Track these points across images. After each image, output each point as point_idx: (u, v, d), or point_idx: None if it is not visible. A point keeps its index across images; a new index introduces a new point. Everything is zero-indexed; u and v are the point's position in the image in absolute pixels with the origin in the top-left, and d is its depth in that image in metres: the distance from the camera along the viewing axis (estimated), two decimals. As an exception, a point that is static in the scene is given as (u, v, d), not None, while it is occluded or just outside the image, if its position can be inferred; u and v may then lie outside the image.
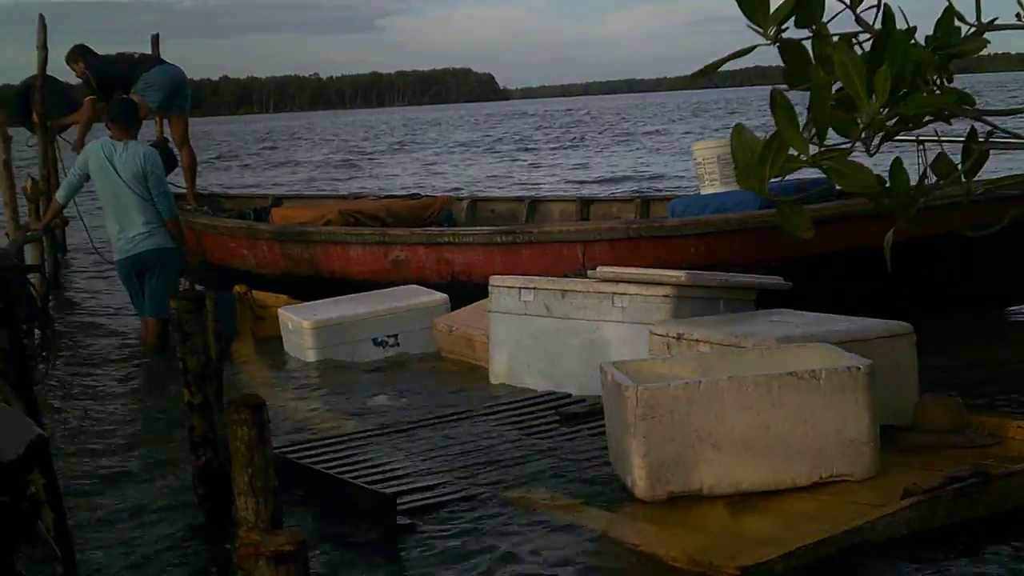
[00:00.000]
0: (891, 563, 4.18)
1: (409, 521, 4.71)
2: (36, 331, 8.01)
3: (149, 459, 6.03)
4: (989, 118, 2.31)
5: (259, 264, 10.03)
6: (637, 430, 4.64)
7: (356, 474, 5.24)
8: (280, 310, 8.37)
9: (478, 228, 9.68)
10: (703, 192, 8.97)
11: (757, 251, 7.80)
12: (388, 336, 8.03)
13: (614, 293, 6.48)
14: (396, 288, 8.60)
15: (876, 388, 4.77)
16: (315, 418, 6.56)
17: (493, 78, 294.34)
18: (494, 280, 7.08)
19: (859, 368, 4.71)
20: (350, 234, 9.63)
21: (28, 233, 9.75)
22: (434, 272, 9.06)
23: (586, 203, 11.02)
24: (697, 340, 5.64)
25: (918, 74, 2.15)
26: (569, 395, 6.49)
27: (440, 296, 8.21)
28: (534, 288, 6.85)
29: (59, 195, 9.13)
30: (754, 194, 8.66)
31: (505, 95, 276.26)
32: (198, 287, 8.12)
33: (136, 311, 8.83)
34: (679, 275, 6.46)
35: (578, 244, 8.47)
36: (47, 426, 5.14)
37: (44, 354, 8.08)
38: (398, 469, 5.35)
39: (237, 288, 9.00)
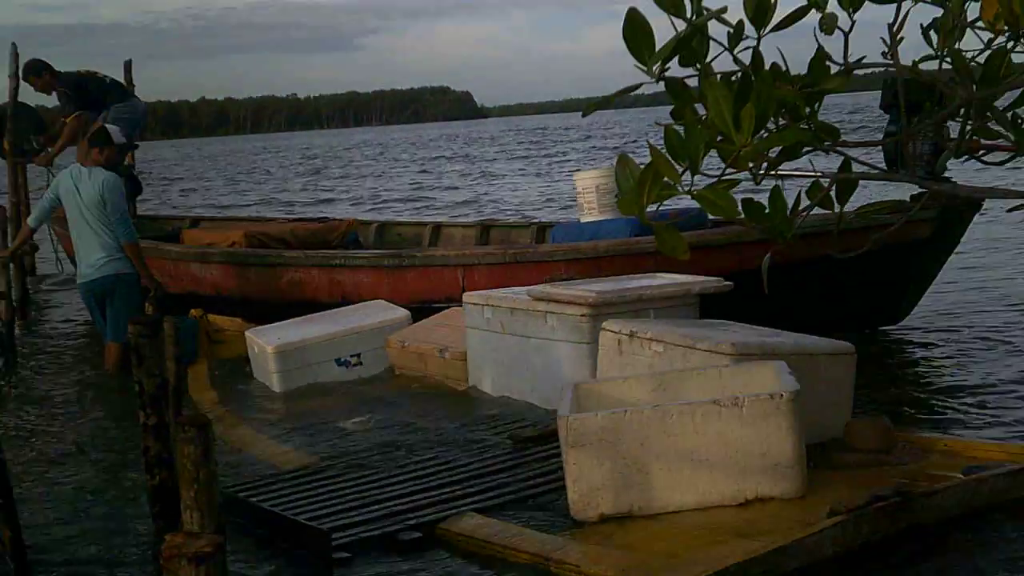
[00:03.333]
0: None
1: (347, 555, 4.75)
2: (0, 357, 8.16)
3: (105, 478, 6.18)
4: (849, 150, 2.52)
5: (165, 283, 10.24)
6: (569, 456, 4.87)
7: (300, 508, 5.22)
8: (248, 333, 8.45)
9: (367, 252, 10.12)
10: (582, 220, 9.34)
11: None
12: (352, 356, 8.11)
13: (547, 312, 6.71)
14: (361, 305, 8.78)
15: (805, 410, 4.87)
16: (268, 448, 6.50)
17: (471, 96, 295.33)
18: (467, 297, 7.41)
19: (782, 395, 4.82)
20: (248, 256, 10.01)
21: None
22: (326, 293, 9.43)
23: (486, 228, 11.50)
24: (650, 339, 5.81)
25: (781, 110, 2.35)
26: (522, 418, 6.58)
27: (402, 312, 8.37)
28: (492, 305, 7.08)
29: (30, 220, 9.35)
30: (627, 222, 8.98)
31: (483, 113, 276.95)
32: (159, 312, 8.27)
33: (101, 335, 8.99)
34: (612, 288, 6.65)
35: (458, 268, 8.91)
36: (7, 444, 5.28)
37: (6, 377, 8.24)
38: (347, 501, 5.33)
39: (193, 311, 9.17)
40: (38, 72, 11.13)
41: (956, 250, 8.76)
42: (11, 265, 11.06)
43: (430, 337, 7.79)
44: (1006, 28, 2.72)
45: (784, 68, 2.53)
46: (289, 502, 5.35)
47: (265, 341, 8.13)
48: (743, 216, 2.35)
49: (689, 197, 2.40)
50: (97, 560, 5.01)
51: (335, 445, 6.41)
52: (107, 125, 9.39)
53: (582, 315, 6.51)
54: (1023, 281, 10.76)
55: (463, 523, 4.97)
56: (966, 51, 2.73)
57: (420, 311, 8.36)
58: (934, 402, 6.93)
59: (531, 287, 7.06)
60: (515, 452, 5.93)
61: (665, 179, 2.31)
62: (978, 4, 2.69)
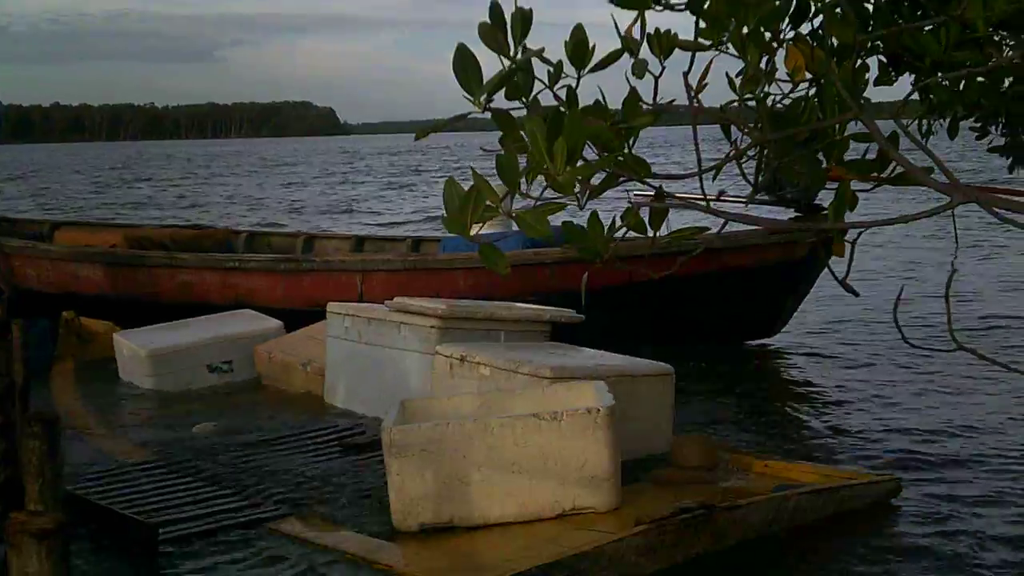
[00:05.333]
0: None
1: (172, 550, 4.97)
2: None
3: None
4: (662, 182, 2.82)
5: (42, 283, 10.23)
6: (391, 467, 5.06)
7: (130, 503, 5.43)
8: (116, 336, 8.55)
9: (263, 255, 10.18)
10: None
11: (519, 285, 8.46)
12: (223, 363, 8.25)
13: (400, 323, 6.94)
14: (231, 313, 8.91)
15: (622, 426, 5.13)
16: (117, 446, 6.71)
17: (334, 112, 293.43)
18: (330, 307, 7.57)
19: (599, 409, 5.03)
20: (138, 257, 10.04)
21: None
22: (219, 295, 9.53)
23: (360, 240, 11.66)
24: (479, 363, 6.07)
25: (596, 142, 2.63)
26: (359, 424, 6.81)
27: (275, 323, 8.51)
28: (352, 315, 7.29)
29: None
30: (519, 236, 9.35)
31: (345, 130, 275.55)
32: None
33: None
34: (465, 306, 6.91)
35: (357, 274, 9.14)
36: None
37: None
38: (177, 497, 5.56)
39: (65, 313, 9.19)
40: None
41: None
42: None
43: (296, 350, 7.97)
44: (807, 78, 3.05)
45: (603, 103, 2.81)
46: (120, 497, 5.55)
47: (138, 344, 8.23)
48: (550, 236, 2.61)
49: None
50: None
51: (178, 445, 6.62)
52: None
53: (431, 326, 6.74)
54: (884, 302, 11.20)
55: (288, 524, 5.20)
56: (772, 94, 3.05)
57: (317, 316, 8.39)
58: (767, 421, 7.26)
59: (390, 300, 7.22)
60: (347, 459, 6.17)
61: (488, 202, 2.57)
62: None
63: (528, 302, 7.60)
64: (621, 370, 5.96)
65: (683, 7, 2.65)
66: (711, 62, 3.00)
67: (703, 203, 2.80)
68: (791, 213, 8.49)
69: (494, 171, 2.74)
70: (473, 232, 2.73)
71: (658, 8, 2.63)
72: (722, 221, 2.73)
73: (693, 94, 2.91)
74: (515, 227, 8.87)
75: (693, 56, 2.75)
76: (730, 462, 5.82)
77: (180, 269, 9.77)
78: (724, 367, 8.68)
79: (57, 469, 3.88)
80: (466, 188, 2.71)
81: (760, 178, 3.10)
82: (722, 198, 3.10)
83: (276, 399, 7.75)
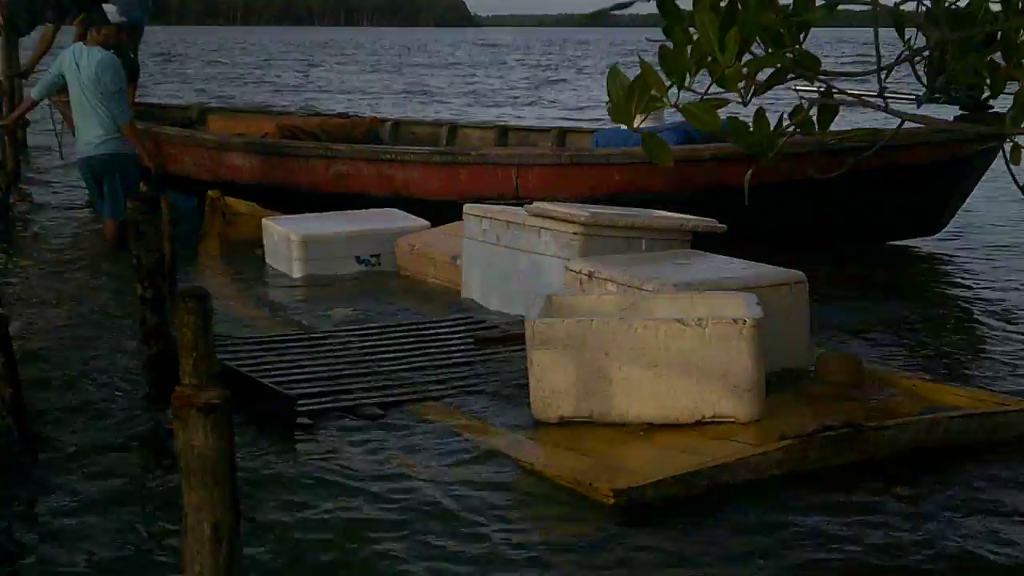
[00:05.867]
0: (761, 499, 4.45)
1: (310, 422, 5.13)
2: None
3: (102, 347, 6.41)
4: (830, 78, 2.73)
5: (197, 170, 10.38)
6: (533, 358, 5.12)
7: (272, 375, 5.63)
8: (266, 221, 8.73)
9: (418, 148, 10.16)
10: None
11: (678, 182, 8.32)
12: (372, 256, 8.40)
13: (541, 228, 6.90)
14: (376, 211, 9.00)
15: (764, 337, 5.05)
16: (260, 321, 7.00)
17: (464, 4, 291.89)
18: (467, 208, 7.56)
19: (744, 320, 5.01)
20: (292, 147, 10.09)
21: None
22: (375, 186, 9.57)
23: (504, 131, 11.55)
24: (605, 279, 6.01)
25: (766, 36, 2.56)
26: (493, 320, 6.87)
27: (422, 222, 8.58)
28: (490, 218, 7.30)
29: (34, 92, 9.53)
30: (673, 130, 9.19)
31: (475, 22, 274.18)
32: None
33: (97, 210, 9.19)
34: (607, 213, 6.85)
35: (512, 168, 9.04)
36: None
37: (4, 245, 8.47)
38: (317, 372, 5.78)
39: (211, 193, 9.38)
40: None
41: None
42: (5, 137, 11.23)
43: (438, 243, 8.02)
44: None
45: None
46: (261, 368, 5.77)
47: (289, 229, 8.40)
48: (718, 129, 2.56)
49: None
50: (93, 417, 5.31)
51: (317, 326, 6.84)
52: (104, 4, 9.48)
53: (573, 233, 6.70)
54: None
55: (422, 409, 5.33)
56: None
57: None
58: (913, 334, 7.06)
59: (530, 204, 7.18)
60: (481, 351, 6.25)
61: (653, 92, 2.52)
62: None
63: (684, 199, 7.49)
64: (747, 281, 5.83)
65: None
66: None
67: (877, 101, 2.72)
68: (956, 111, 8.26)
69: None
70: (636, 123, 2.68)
71: None
72: (891, 119, 2.64)
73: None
74: (668, 123, 8.83)
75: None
76: (877, 379, 5.69)
77: (335, 160, 9.80)
78: (867, 271, 8.55)
79: (210, 344, 3.99)
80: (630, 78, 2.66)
81: (935, 80, 2.98)
82: (894, 95, 3.00)
83: (414, 291, 7.85)
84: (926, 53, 2.91)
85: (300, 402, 5.25)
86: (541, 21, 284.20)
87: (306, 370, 5.83)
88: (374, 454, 4.89)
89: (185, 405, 2.89)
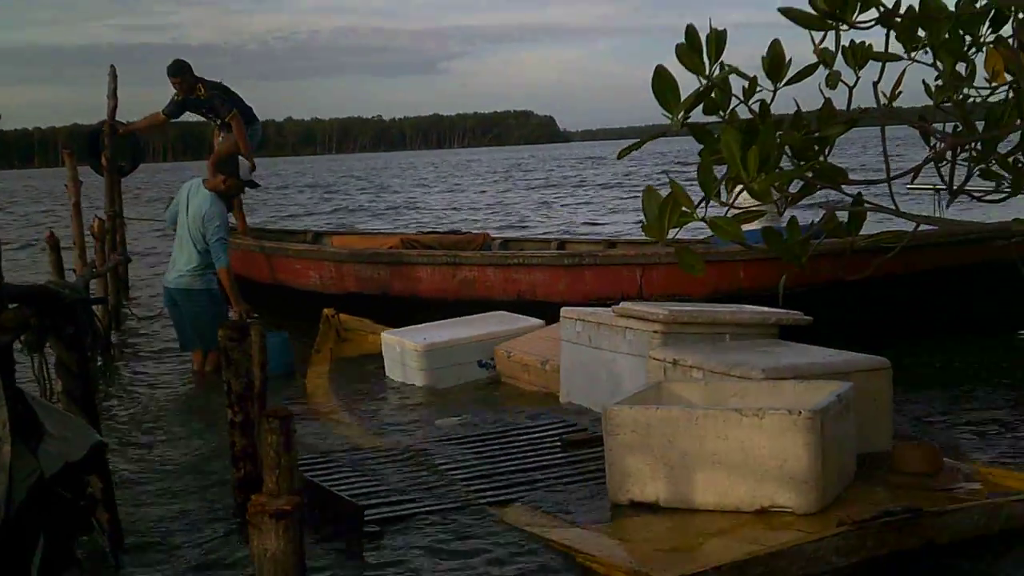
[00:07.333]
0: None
1: (377, 529, 5.32)
2: (99, 357, 8.73)
3: (195, 471, 6.68)
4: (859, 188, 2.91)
5: (324, 284, 10.75)
6: (607, 443, 5.41)
7: (346, 485, 5.84)
8: (385, 334, 8.96)
9: (544, 252, 10.51)
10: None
11: (796, 276, 8.46)
12: (489, 359, 8.55)
13: (626, 328, 7.08)
14: (487, 314, 9.19)
15: (835, 426, 5.11)
16: (358, 434, 7.19)
17: (554, 120, 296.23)
18: (563, 311, 7.77)
19: (800, 412, 5.04)
20: (420, 256, 10.46)
21: (94, 270, 10.49)
22: (501, 290, 9.84)
23: (611, 244, 11.78)
24: (691, 366, 6.18)
25: (787, 152, 2.75)
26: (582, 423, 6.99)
27: (536, 322, 8.75)
28: (583, 320, 7.52)
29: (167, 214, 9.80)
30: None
31: (565, 137, 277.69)
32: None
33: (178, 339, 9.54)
34: (688, 310, 6.99)
35: (637, 267, 9.24)
36: (105, 433, 5.81)
37: (104, 375, 8.84)
38: (392, 483, 5.97)
39: (326, 311, 9.65)
40: (181, 72, 11.47)
41: None
42: (107, 276, 11.69)
43: (532, 348, 8.23)
44: (1007, 80, 3.08)
45: (799, 114, 2.92)
46: (340, 481, 5.95)
47: (410, 339, 8.64)
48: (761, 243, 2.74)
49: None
50: (186, 540, 5.52)
51: (415, 435, 7.05)
52: (242, 158, 9.69)
53: (654, 331, 6.87)
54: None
55: (502, 511, 5.51)
56: (972, 96, 3.09)
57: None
58: (992, 423, 7.04)
59: (617, 305, 7.34)
60: (568, 453, 6.38)
61: (683, 208, 2.71)
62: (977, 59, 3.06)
63: (802, 295, 7.59)
64: (834, 367, 5.93)
65: (870, 24, 2.73)
66: (904, 71, 3.06)
67: (894, 210, 2.88)
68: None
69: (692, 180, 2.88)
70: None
71: (844, 28, 2.70)
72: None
73: (887, 102, 2.99)
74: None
75: (883, 66, 2.83)
76: (954, 468, 5.64)
77: (461, 267, 10.13)
78: (953, 360, 8.56)
79: (292, 460, 4.21)
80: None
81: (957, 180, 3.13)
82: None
83: (518, 396, 8.00)
84: (948, 155, 3.07)
85: (367, 511, 5.45)
86: (621, 135, 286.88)
87: (384, 479, 6.02)
88: (435, 555, 5.06)
89: (259, 512, 3.10)
